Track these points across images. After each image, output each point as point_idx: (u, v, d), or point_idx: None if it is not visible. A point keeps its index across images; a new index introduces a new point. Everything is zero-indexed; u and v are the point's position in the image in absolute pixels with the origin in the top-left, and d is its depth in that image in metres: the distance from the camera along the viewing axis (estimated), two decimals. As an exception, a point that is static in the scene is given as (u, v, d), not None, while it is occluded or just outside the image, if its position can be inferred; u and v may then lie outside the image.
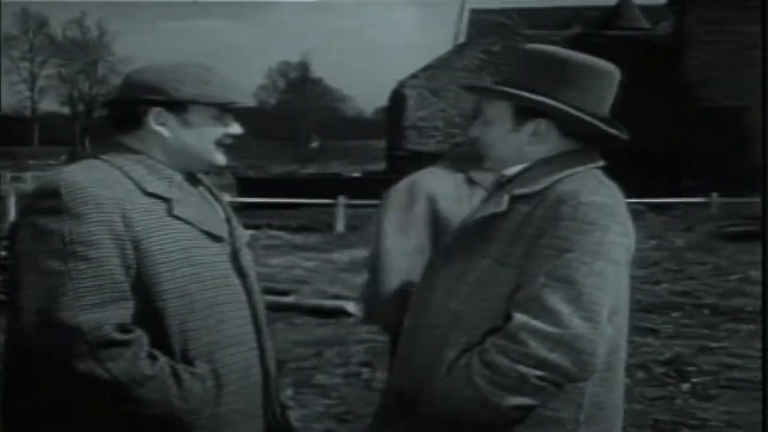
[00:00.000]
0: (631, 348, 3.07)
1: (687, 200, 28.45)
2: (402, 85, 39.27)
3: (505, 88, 2.42)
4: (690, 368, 7.85)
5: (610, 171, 2.42)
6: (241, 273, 2.57)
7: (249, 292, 2.57)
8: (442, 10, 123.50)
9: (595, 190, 2.29)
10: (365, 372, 8.06)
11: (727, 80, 34.10)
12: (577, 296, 2.14)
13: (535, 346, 2.12)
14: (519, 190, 2.33)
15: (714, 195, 28.05)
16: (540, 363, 2.12)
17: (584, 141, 2.43)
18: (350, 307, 11.14)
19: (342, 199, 24.32)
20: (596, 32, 39.81)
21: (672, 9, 39.56)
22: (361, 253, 17.19)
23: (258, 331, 2.58)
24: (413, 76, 39.25)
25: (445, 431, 2.21)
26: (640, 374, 7.72)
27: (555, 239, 2.20)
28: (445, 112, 38.37)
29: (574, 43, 38.48)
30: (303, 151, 69.43)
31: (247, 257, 2.63)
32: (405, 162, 37.48)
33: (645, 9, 45.57)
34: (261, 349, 2.59)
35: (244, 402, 2.49)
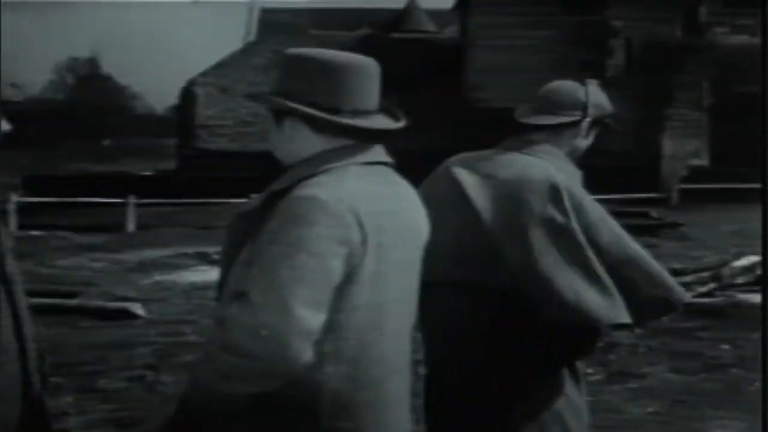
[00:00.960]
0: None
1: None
2: (191, 83, 39.09)
3: (255, 93, 2.60)
4: None
5: (397, 171, 2.49)
6: (5, 280, 2.48)
7: (13, 300, 2.49)
8: (234, 8, 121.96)
9: (317, 185, 2.30)
10: (149, 375, 7.87)
11: (504, 83, 35.53)
12: (272, 287, 2.19)
13: (235, 335, 2.18)
14: (273, 188, 2.36)
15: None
16: (238, 351, 2.17)
17: (352, 137, 2.41)
18: (137, 308, 11.10)
19: (132, 199, 24.17)
20: (383, 34, 40.65)
21: (457, 13, 40.79)
22: (150, 253, 17.10)
23: (20, 338, 2.50)
24: (203, 75, 39.15)
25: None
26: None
27: (266, 232, 2.27)
28: (235, 110, 38.39)
29: (362, 45, 39.29)
30: (93, 149, 67.72)
31: (11, 264, 2.52)
32: (195, 160, 37.45)
33: (432, 13, 46.69)
34: (23, 351, 2.51)
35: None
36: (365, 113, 2.41)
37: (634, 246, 3.27)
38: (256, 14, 47.18)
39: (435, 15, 46.67)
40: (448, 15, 43.88)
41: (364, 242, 2.27)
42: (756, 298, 9.60)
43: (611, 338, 8.22)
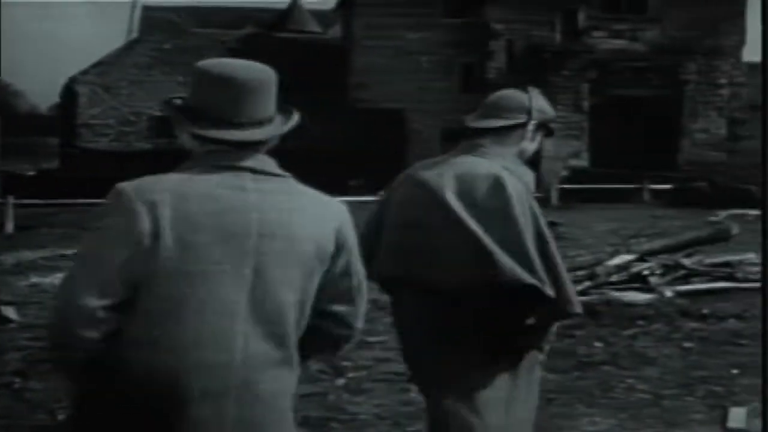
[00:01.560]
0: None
1: (352, 199, 29.64)
2: (73, 81, 38.48)
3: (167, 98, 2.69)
4: (346, 363, 7.88)
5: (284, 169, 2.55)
6: None
7: None
8: (118, 5, 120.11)
9: (141, 179, 2.41)
10: (17, 382, 7.51)
11: (386, 83, 35.81)
12: (67, 274, 2.43)
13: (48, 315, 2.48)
14: None
15: (379, 194, 29.22)
16: (47, 328, 2.46)
17: (220, 144, 2.47)
18: (10, 312, 10.69)
19: (11, 199, 23.60)
20: (267, 33, 40.60)
21: (339, 14, 40.96)
22: (28, 254, 16.76)
23: None
24: (84, 73, 38.56)
25: None
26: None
27: None
28: (118, 109, 37.96)
29: (245, 44, 39.21)
30: (-27, 149, 66.05)
31: None
32: (77, 160, 36.83)
33: (316, 13, 46.78)
34: None
35: None
36: (232, 124, 2.47)
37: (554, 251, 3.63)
38: (138, 12, 46.72)
39: (318, 15, 46.81)
40: (331, 15, 44.03)
41: (155, 234, 2.32)
42: (629, 296, 9.94)
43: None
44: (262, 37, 39.98)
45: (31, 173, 39.29)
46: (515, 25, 36.02)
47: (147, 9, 47.01)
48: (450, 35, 36.28)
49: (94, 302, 2.30)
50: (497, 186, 3.52)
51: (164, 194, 2.35)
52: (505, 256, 3.42)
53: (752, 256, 12.87)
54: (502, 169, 3.58)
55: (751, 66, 37.55)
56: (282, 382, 2.49)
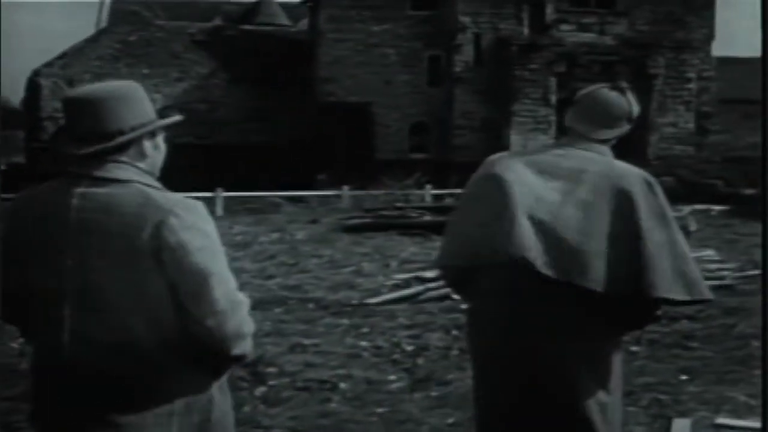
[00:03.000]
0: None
1: (319, 193, 29.35)
2: (36, 74, 37.98)
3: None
4: (270, 369, 7.54)
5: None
6: None
7: None
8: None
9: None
10: None
11: (353, 77, 35.50)
12: None
13: None
14: None
15: (345, 188, 29.03)
16: None
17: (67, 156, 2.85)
18: None
19: None
20: (234, 26, 40.19)
21: (306, 7, 40.60)
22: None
23: None
24: (48, 65, 38.10)
25: None
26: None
27: None
28: (81, 102, 37.45)
29: (212, 36, 38.81)
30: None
31: None
32: (43, 154, 36.36)
33: (285, 6, 46.40)
34: None
35: None
36: (77, 139, 2.77)
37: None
38: (107, 3, 46.33)
39: (288, 8, 46.44)
40: (301, 9, 43.73)
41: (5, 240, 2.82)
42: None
43: (424, 341, 8.07)
44: (228, 29, 39.54)
45: (3, 167, 38.85)
46: (483, 18, 35.73)
47: (116, 1, 46.67)
48: (416, 28, 35.99)
49: None
50: (652, 188, 3.56)
51: (19, 205, 2.88)
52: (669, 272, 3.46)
53: (711, 253, 12.63)
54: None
55: (721, 60, 37.47)
56: None
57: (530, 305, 3.46)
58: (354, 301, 10.91)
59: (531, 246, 3.46)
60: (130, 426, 2.74)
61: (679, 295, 3.46)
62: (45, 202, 2.77)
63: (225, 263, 2.79)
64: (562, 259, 3.46)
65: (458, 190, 21.68)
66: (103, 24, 43.01)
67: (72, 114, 2.75)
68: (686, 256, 3.50)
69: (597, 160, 3.61)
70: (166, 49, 38.29)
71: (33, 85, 38.21)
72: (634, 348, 7.64)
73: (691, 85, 36.37)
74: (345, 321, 9.50)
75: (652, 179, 3.57)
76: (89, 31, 42.50)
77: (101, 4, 46.69)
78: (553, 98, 35.10)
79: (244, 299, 2.82)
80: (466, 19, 35.63)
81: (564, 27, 36.07)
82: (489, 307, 3.57)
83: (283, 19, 45.67)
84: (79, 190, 2.73)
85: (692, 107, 36.31)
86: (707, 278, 10.81)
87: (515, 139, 34.44)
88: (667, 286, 3.42)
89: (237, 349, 2.79)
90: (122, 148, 2.77)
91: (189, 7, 47.84)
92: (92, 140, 2.71)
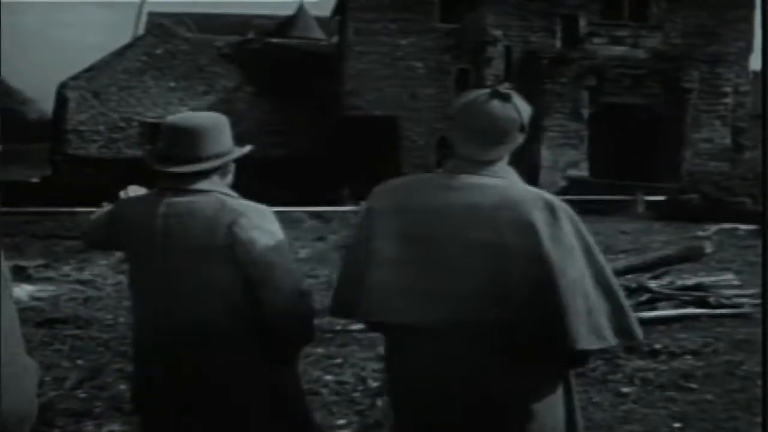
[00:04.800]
0: None
1: (341, 209, 28.78)
2: (63, 86, 37.69)
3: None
4: None
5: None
6: None
7: None
8: (127, 12, 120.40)
9: None
10: None
11: (378, 90, 34.85)
12: None
13: None
14: None
15: (363, 204, 28.36)
16: None
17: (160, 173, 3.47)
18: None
19: None
20: (259, 39, 39.70)
21: (338, 20, 40.17)
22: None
23: None
24: (74, 78, 37.80)
25: None
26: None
27: None
28: (107, 115, 37.17)
29: (237, 50, 38.32)
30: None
31: None
32: (66, 166, 36.13)
33: (323, 20, 45.99)
34: None
35: None
36: (171, 160, 3.37)
37: None
38: (144, 17, 46.44)
39: (324, 22, 46.05)
40: (336, 22, 43.44)
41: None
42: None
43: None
44: (255, 42, 39.06)
45: (35, 180, 38.71)
46: (513, 31, 34.98)
47: (152, 15, 46.77)
48: (444, 40, 35.25)
49: None
50: (554, 213, 2.92)
51: None
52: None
53: (730, 277, 11.68)
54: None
55: (756, 74, 36.37)
56: None
57: (446, 350, 2.93)
58: (338, 327, 10.22)
59: (389, 306, 2.96)
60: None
61: (593, 344, 2.90)
62: (138, 211, 3.42)
63: (289, 257, 3.35)
64: (444, 309, 2.88)
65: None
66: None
67: (173, 138, 3.38)
68: (590, 296, 2.89)
69: (490, 187, 2.98)
70: (192, 63, 37.87)
71: (60, 98, 37.94)
72: (624, 389, 6.85)
73: (727, 100, 35.31)
74: (319, 350, 8.80)
75: (556, 202, 2.94)
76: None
77: (137, 19, 46.74)
78: (585, 112, 34.23)
79: (307, 289, 3.38)
80: (497, 32, 34.89)
81: (596, 40, 35.22)
82: (404, 347, 3.06)
83: (318, 33, 45.31)
84: (167, 200, 3.35)
85: (728, 122, 35.26)
86: (722, 305, 10.13)
87: (545, 154, 33.64)
88: (583, 334, 2.87)
89: (300, 332, 3.36)
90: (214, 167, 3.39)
91: (221, 21, 47.70)
92: (191, 161, 3.34)
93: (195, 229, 3.25)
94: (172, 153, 3.33)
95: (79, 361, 7.78)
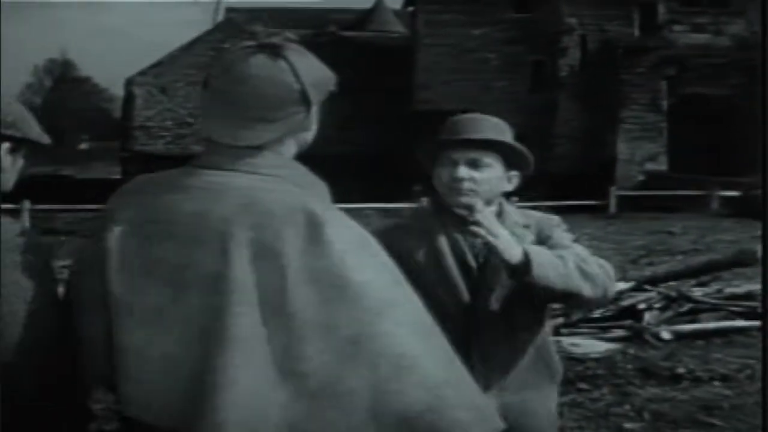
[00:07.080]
0: None
1: (410, 205, 27.93)
2: (130, 82, 37.38)
3: None
4: None
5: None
6: None
7: None
8: (208, 9, 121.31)
9: None
10: None
11: (448, 83, 33.81)
12: None
13: None
14: None
15: (423, 200, 27.48)
16: None
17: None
18: None
19: (27, 204, 23.30)
20: (330, 33, 38.96)
21: (406, 12, 39.34)
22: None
23: None
24: (141, 73, 37.50)
25: None
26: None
27: None
28: (174, 111, 36.74)
29: (308, 44, 37.55)
30: (67, 153, 66.45)
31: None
32: (132, 164, 35.76)
33: (401, 14, 45.28)
34: None
35: None
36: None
37: None
38: (221, 13, 46.43)
39: (402, 16, 45.32)
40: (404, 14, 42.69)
41: None
42: (584, 346, 7.59)
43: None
44: (326, 36, 38.27)
45: (117, 177, 38.61)
46: (588, 20, 33.56)
47: (230, 11, 46.71)
48: (517, 31, 33.96)
49: None
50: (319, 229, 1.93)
51: None
52: None
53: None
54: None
55: None
56: None
57: None
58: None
59: None
60: None
61: None
62: None
63: None
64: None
65: (547, 203, 19.83)
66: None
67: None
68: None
69: (232, 189, 1.96)
70: (258, 56, 37.32)
71: (127, 94, 37.67)
72: (627, 425, 5.67)
73: (816, 90, 33.42)
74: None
75: (325, 215, 1.90)
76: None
77: (215, 15, 46.58)
78: (664, 104, 32.67)
79: None
80: (572, 21, 33.52)
81: (676, 27, 33.61)
82: None
83: (397, 26, 44.52)
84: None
85: (819, 115, 33.36)
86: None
87: (622, 147, 32.20)
88: None
89: None
90: None
91: (297, 15, 47.21)
92: None
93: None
94: None
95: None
